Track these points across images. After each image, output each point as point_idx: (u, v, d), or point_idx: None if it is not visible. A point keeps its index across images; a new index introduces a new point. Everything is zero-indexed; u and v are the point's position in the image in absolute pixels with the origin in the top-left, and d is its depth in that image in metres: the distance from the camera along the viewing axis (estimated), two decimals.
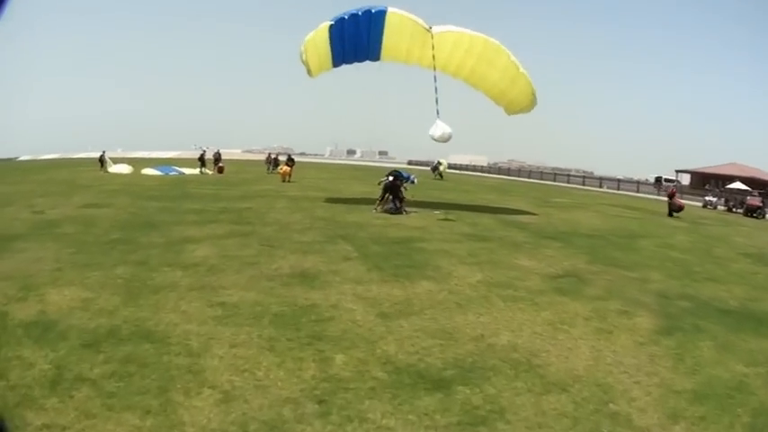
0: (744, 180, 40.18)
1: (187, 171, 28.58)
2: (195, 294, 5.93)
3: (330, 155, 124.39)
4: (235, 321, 5.06)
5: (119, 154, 49.60)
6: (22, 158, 49.78)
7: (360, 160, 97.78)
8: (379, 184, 14.92)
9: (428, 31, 14.30)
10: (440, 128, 14.26)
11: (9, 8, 1.45)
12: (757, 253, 12.93)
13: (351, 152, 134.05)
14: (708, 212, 28.55)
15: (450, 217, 13.98)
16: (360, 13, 14.02)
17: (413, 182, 15.63)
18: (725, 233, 17.38)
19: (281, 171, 25.71)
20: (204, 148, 32.13)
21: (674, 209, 21.27)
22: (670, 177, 49.05)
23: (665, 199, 23.51)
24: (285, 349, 4.42)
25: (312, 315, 5.29)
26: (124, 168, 27.89)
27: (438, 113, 14.42)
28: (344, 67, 15.37)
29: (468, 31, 14.71)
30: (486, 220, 14.50)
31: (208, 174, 29.19)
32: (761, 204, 27.13)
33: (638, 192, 40.96)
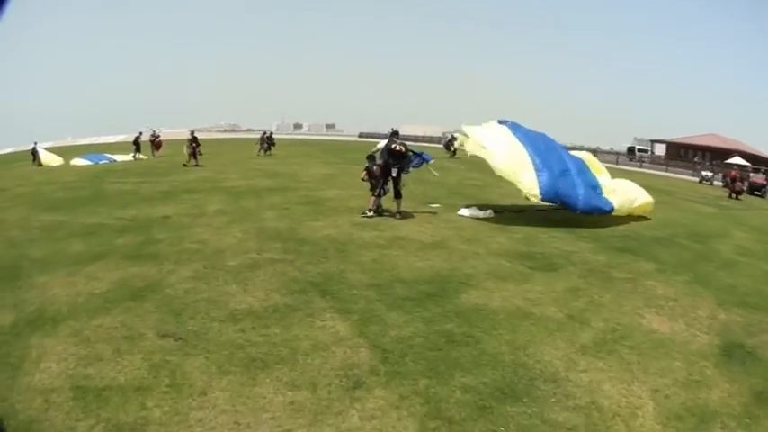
0: (724, 152, 38.39)
1: (120, 158, 25.34)
2: None
3: (277, 129, 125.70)
4: None
5: (68, 142, 46.96)
6: None
7: (307, 134, 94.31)
8: (364, 176, 10.15)
9: None
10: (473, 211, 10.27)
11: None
12: None
13: (298, 126, 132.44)
14: (708, 189, 26.43)
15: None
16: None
17: (427, 161, 10.68)
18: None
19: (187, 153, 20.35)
20: (142, 130, 27.50)
21: (736, 190, 21.84)
22: (644, 147, 47.09)
23: (653, 172, 25.01)
24: None
25: None
26: (54, 160, 25.04)
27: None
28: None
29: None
30: (514, 217, 10.29)
31: (142, 159, 25.21)
32: (764, 182, 25.05)
33: (617, 164, 38.29)
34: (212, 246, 7.09)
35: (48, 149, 27.47)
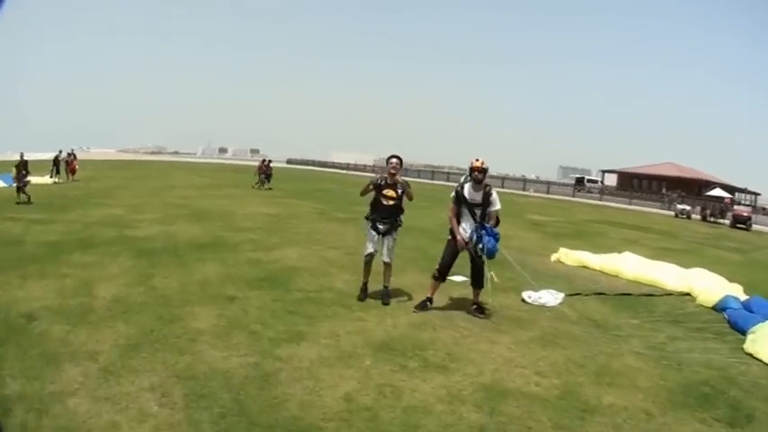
0: (683, 181, 38.47)
1: (36, 180, 22.44)
2: None
3: (202, 153, 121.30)
4: None
5: (7, 156, 46.91)
6: None
7: (232, 159, 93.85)
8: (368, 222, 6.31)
9: None
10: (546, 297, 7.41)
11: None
12: None
13: (222, 150, 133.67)
14: (695, 225, 25.57)
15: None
16: None
17: (492, 250, 5.73)
18: None
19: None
20: (62, 149, 25.39)
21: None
22: (593, 178, 47.05)
23: (619, 206, 27.38)
24: None
25: None
26: None
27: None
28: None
29: None
30: (595, 305, 7.06)
31: (59, 182, 23.26)
32: (749, 215, 24.49)
33: (573, 196, 37.18)
34: None
35: None
